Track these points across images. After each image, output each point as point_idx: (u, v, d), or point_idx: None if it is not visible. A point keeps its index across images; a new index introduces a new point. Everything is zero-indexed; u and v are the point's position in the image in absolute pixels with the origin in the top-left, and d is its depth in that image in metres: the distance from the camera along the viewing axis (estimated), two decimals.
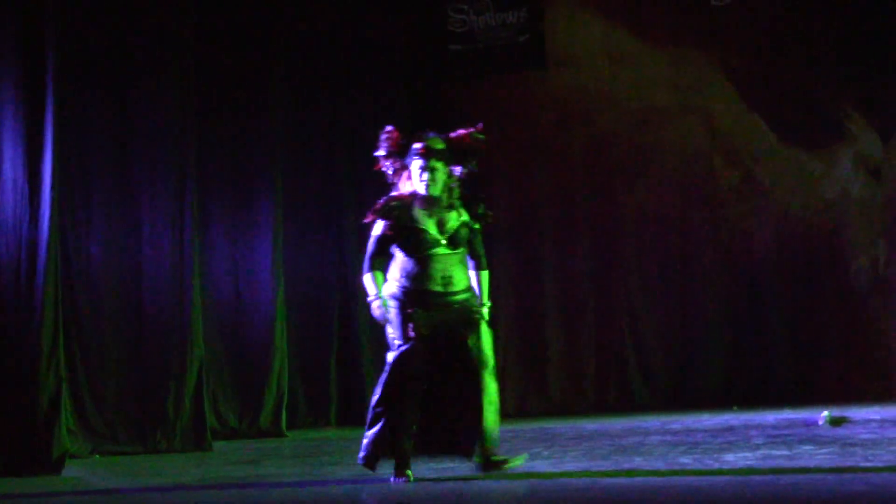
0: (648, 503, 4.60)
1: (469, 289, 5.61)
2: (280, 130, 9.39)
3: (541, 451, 6.72)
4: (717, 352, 10.19)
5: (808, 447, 6.08)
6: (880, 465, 5.14)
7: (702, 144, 10.36)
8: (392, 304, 5.54)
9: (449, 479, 5.46)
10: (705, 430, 7.53)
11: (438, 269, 5.53)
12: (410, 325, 5.47)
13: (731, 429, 7.58)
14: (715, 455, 5.95)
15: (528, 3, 10.39)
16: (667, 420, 8.61)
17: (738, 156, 10.22)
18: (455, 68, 10.67)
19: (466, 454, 5.55)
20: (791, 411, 8.50)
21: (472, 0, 10.53)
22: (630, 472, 5.44)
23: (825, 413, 7.52)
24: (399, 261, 5.59)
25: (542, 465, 5.94)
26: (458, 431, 5.54)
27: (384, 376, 5.54)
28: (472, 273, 5.67)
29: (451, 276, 5.55)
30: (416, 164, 5.58)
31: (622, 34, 10.46)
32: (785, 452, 5.92)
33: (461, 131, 5.72)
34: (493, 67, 10.62)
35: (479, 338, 5.51)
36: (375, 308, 5.62)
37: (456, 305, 5.52)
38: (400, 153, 5.64)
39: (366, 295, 5.66)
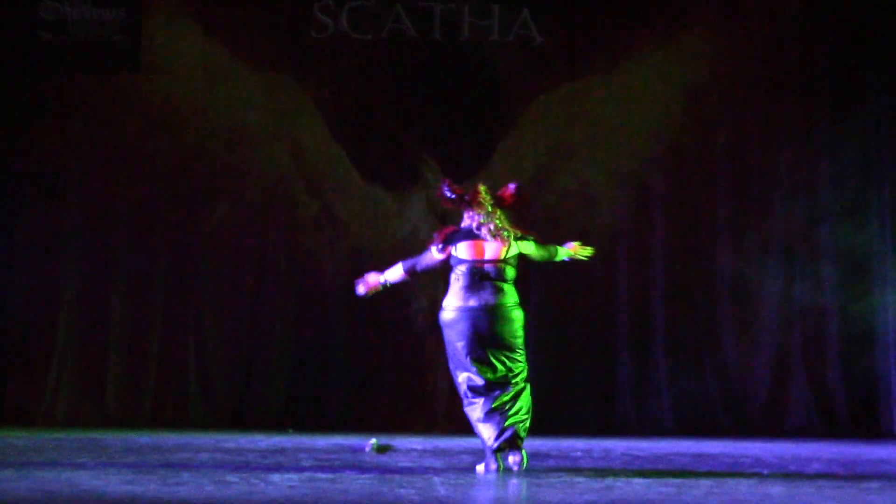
0: None
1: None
2: None
3: (86, 462, 6.51)
4: (279, 375, 10.35)
5: (351, 472, 6.31)
6: (413, 491, 5.44)
7: (286, 171, 10.54)
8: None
9: None
10: (257, 451, 7.61)
11: None
12: None
13: (282, 450, 7.71)
14: (262, 475, 6.03)
15: (126, 4, 10.14)
16: (221, 439, 8.63)
17: (319, 186, 10.48)
18: (44, 59, 10.19)
19: None
20: (341, 437, 8.79)
21: None
22: None
23: (372, 440, 7.84)
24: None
25: (83, 477, 5.75)
26: None
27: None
28: None
29: None
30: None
31: (220, 51, 10.45)
32: (329, 475, 6.11)
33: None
34: (85, 64, 10.26)
35: None
36: None
37: None
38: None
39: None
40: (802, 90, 10.57)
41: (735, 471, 6.68)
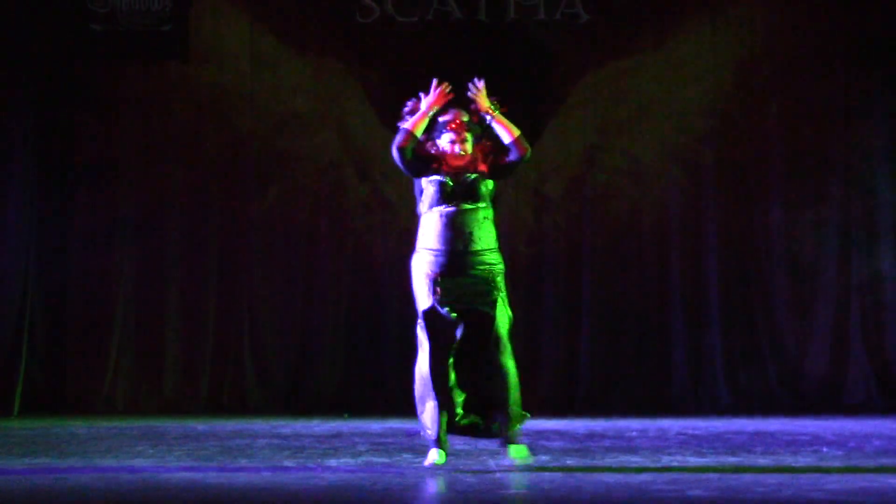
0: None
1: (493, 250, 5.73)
2: None
3: (146, 450, 6.59)
4: (334, 360, 10.39)
5: (407, 455, 6.34)
6: (477, 468, 5.44)
7: (335, 156, 10.56)
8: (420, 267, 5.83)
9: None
10: (314, 436, 7.67)
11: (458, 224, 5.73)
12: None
13: (338, 435, 7.76)
14: (318, 459, 6.08)
15: None
16: (277, 424, 8.70)
17: (368, 170, 10.49)
18: (94, 50, 10.29)
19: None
20: (397, 421, 8.81)
21: None
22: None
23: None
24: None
25: (144, 464, 5.82)
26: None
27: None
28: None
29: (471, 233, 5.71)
30: (446, 137, 6.02)
31: (268, 37, 10.48)
32: (385, 460, 6.15)
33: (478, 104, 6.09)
34: (134, 54, 10.34)
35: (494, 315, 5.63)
36: None
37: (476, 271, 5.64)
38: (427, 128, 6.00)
39: None
40: (857, 59, 10.38)
41: (793, 449, 6.62)
